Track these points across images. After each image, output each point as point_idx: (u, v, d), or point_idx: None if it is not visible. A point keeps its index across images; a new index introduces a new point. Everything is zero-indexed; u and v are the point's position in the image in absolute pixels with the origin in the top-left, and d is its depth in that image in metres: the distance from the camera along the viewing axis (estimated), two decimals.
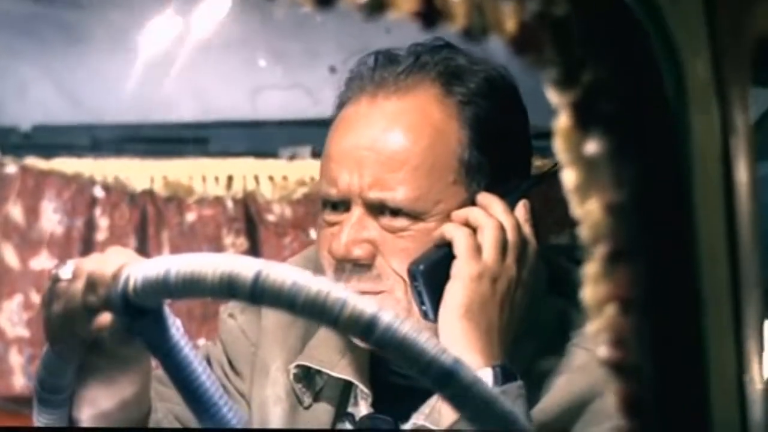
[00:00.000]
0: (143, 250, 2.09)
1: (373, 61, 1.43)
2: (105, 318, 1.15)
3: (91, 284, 1.15)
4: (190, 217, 2.20)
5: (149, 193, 2.21)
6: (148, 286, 1.09)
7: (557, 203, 1.35)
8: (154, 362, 1.28)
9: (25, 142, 2.26)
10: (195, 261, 1.05)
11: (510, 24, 0.66)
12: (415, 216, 1.38)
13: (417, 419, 1.40)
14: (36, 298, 2.19)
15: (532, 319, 1.39)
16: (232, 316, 1.53)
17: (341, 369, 1.44)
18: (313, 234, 2.11)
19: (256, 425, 1.47)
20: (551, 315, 1.41)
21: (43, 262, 2.21)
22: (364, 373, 1.44)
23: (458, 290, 1.35)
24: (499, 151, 1.41)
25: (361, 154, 1.38)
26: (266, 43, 2.21)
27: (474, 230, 1.37)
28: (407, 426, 1.41)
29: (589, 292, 0.66)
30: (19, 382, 2.20)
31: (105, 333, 1.15)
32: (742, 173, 0.66)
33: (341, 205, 1.40)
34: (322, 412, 1.45)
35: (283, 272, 1.01)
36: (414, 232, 1.38)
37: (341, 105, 1.44)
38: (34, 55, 2.22)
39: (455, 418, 1.23)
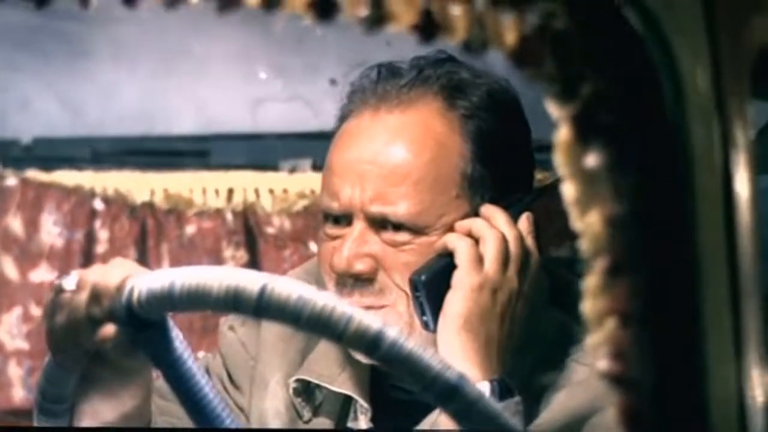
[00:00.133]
0: (143, 262, 2.09)
1: (375, 74, 1.43)
2: (109, 329, 1.14)
3: (95, 295, 1.15)
4: (190, 229, 2.21)
5: (149, 206, 2.21)
6: (153, 298, 1.09)
7: (558, 216, 1.35)
8: (154, 375, 1.28)
9: (26, 154, 2.26)
10: (200, 274, 1.05)
11: (510, 37, 0.66)
12: (418, 230, 1.37)
13: None
14: (35, 311, 2.19)
15: (531, 332, 1.39)
16: (232, 328, 1.52)
17: (341, 383, 1.43)
18: (313, 247, 2.11)
19: None
20: (551, 328, 1.41)
21: (42, 274, 2.21)
22: (364, 388, 1.44)
23: (458, 301, 1.35)
24: (501, 165, 1.41)
25: (363, 168, 1.38)
26: (267, 55, 2.21)
27: (476, 241, 1.37)
28: None
29: (589, 305, 0.66)
30: (19, 394, 2.20)
31: (108, 344, 1.15)
32: (742, 186, 0.66)
33: (343, 218, 1.40)
34: (321, 427, 1.44)
35: (289, 286, 1.01)
36: (416, 246, 1.38)
37: (343, 118, 1.43)
38: (35, 67, 2.23)
39: None
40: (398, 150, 1.38)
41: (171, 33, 2.21)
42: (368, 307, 1.34)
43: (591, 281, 0.66)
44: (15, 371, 2.20)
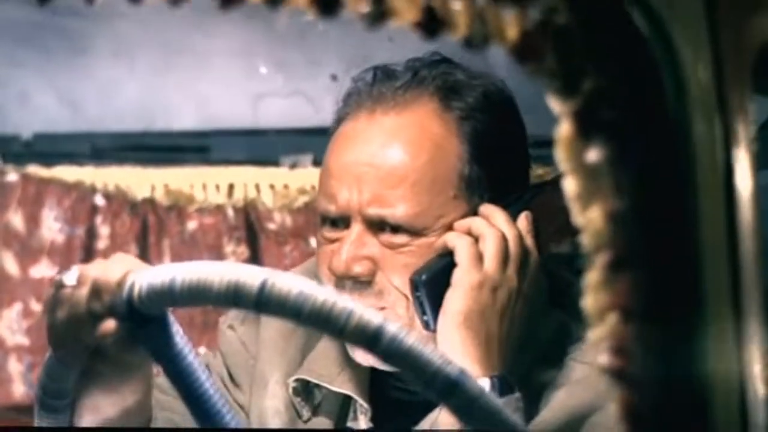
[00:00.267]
0: (144, 258, 2.09)
1: (371, 76, 1.43)
2: (109, 324, 1.15)
3: (96, 291, 1.15)
4: (191, 225, 2.21)
5: (150, 202, 2.21)
6: (154, 294, 1.09)
7: (558, 212, 1.35)
8: (154, 370, 1.29)
9: (27, 150, 2.26)
10: (201, 269, 1.05)
11: (512, 32, 0.66)
12: (416, 232, 1.37)
13: None
14: (36, 307, 2.19)
15: (531, 331, 1.39)
16: (232, 327, 1.52)
17: (340, 383, 1.43)
18: (313, 243, 2.11)
19: None
20: (550, 327, 1.41)
21: (43, 270, 2.21)
22: (364, 388, 1.44)
23: (458, 298, 1.35)
24: (498, 165, 1.41)
25: (360, 170, 1.38)
26: (268, 51, 2.21)
27: (476, 239, 1.37)
28: None
29: (590, 301, 0.66)
30: (19, 390, 2.20)
31: (109, 339, 1.15)
32: (743, 182, 0.66)
33: (341, 221, 1.40)
34: (320, 426, 1.45)
35: (289, 281, 1.01)
36: (415, 248, 1.38)
37: (339, 121, 1.43)
38: (35, 63, 2.23)
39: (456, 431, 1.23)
40: (395, 152, 1.38)
41: (172, 29, 2.21)
42: None
43: (592, 277, 0.66)
44: (15, 367, 2.20)
